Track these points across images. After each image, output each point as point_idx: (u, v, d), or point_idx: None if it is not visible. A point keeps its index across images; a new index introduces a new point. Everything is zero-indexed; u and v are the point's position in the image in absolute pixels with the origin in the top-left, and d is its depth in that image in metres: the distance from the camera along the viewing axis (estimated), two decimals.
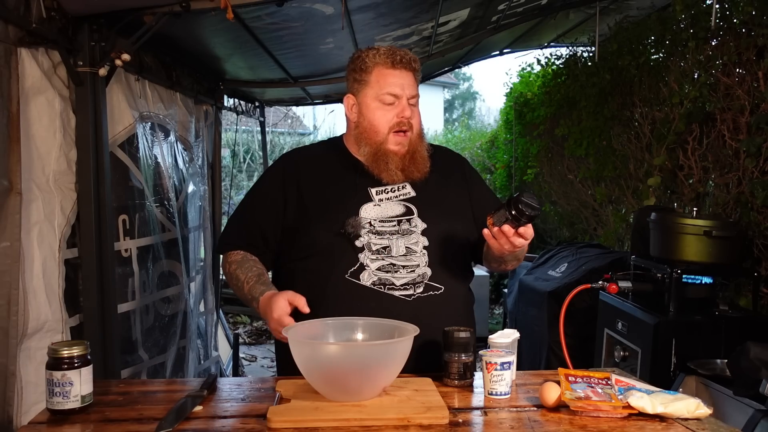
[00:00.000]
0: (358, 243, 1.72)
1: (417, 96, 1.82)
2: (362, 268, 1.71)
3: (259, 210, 1.86)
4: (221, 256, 1.94)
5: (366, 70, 1.81)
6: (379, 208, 1.77)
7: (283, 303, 1.59)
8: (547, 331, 3.82)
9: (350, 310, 1.64)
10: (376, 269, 1.71)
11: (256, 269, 1.80)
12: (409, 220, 1.77)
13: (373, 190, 1.80)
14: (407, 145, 1.79)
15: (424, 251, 1.75)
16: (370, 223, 1.75)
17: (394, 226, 1.75)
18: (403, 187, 1.82)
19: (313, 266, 1.76)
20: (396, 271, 1.72)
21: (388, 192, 1.81)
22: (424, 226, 1.77)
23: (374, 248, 1.72)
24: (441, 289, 1.74)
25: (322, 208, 1.79)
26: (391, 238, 1.74)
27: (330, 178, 1.83)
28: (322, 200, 1.80)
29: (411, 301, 1.71)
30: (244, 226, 1.88)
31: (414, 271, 1.73)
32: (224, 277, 1.93)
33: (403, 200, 1.80)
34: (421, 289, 1.72)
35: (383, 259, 1.72)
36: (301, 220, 1.80)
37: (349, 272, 1.71)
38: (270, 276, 1.84)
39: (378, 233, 1.74)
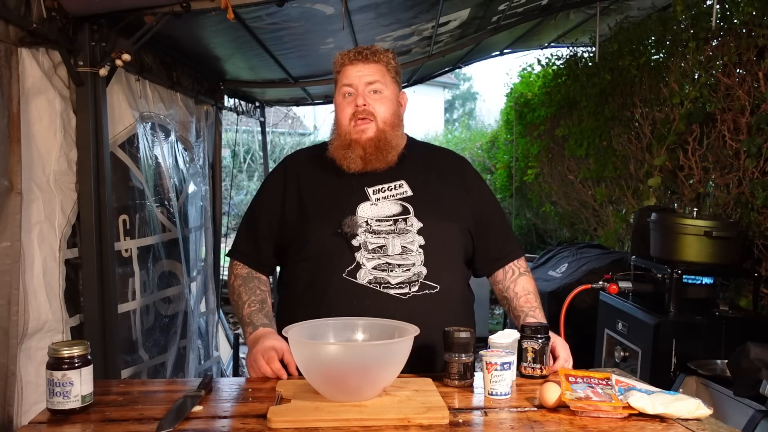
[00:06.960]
0: (354, 242, 1.74)
1: (379, 82, 1.82)
2: (359, 267, 1.73)
3: (263, 216, 1.90)
4: (228, 259, 1.99)
5: (337, 71, 1.86)
6: (376, 207, 1.79)
7: (277, 352, 1.63)
8: None
9: (347, 308, 1.66)
10: (372, 268, 1.73)
11: (260, 293, 1.85)
12: (405, 219, 1.78)
13: (370, 189, 1.81)
14: (370, 132, 1.80)
15: (420, 250, 1.76)
16: (366, 222, 1.76)
17: (390, 225, 1.77)
18: (399, 186, 1.83)
19: (313, 266, 1.79)
20: (392, 270, 1.73)
21: (384, 191, 1.82)
22: (420, 225, 1.78)
23: (370, 247, 1.74)
24: (437, 288, 1.75)
25: (319, 208, 1.82)
26: (387, 237, 1.75)
27: (328, 178, 1.86)
28: (320, 200, 1.83)
29: (406, 300, 1.72)
30: (251, 233, 1.92)
31: (409, 269, 1.74)
32: (225, 282, 1.95)
33: (400, 199, 1.81)
34: (416, 288, 1.73)
35: (379, 258, 1.74)
36: (300, 220, 1.83)
37: (347, 271, 1.73)
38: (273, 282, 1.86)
39: (374, 232, 1.76)
